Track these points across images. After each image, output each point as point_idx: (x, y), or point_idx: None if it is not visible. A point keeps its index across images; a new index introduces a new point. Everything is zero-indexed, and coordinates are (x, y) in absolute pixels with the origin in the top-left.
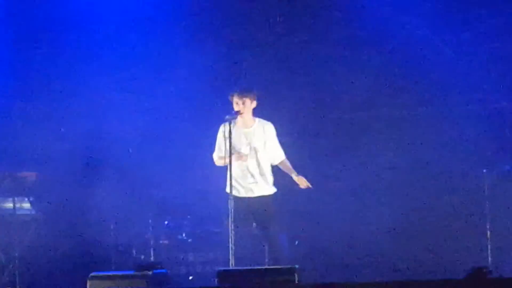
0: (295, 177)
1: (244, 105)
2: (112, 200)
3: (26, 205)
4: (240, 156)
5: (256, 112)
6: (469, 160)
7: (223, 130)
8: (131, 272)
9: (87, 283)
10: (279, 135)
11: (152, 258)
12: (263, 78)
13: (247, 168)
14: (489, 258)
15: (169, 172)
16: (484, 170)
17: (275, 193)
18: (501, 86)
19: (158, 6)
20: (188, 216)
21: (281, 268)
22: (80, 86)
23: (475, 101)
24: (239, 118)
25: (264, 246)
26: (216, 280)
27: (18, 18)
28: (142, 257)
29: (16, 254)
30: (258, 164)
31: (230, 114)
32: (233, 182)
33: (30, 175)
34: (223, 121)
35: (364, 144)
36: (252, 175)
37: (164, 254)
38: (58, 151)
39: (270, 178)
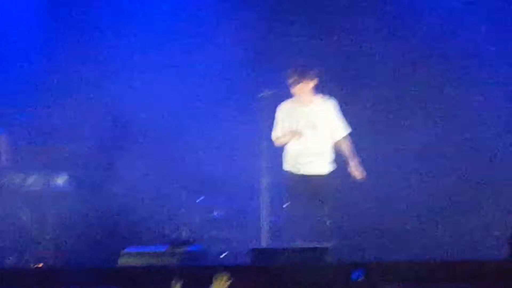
0: (353, 166)
1: (302, 86)
2: (146, 177)
3: (60, 180)
4: (296, 134)
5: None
6: (501, 138)
7: (281, 109)
8: (164, 249)
9: (119, 259)
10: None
11: (184, 235)
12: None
13: (305, 147)
14: None
15: (203, 149)
16: None
17: (331, 172)
18: None
19: None
20: (223, 194)
21: (314, 247)
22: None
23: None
24: (296, 96)
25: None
26: (249, 258)
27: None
28: (175, 234)
29: (50, 229)
30: (316, 143)
31: (269, 89)
32: (291, 160)
33: (63, 149)
34: (257, 98)
35: (393, 123)
36: (309, 154)
37: (197, 231)
38: (92, 126)
39: (329, 156)
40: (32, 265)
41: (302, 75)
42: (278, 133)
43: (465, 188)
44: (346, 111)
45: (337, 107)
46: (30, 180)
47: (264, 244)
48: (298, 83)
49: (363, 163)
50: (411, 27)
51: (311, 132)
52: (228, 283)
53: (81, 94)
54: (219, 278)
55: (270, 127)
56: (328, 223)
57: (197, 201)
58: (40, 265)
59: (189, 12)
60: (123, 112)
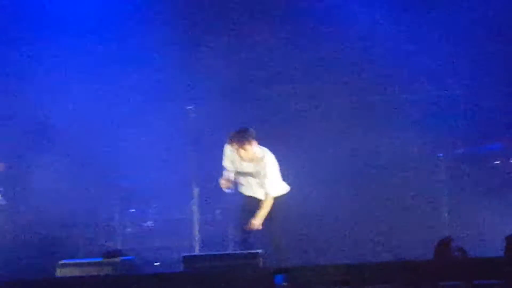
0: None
1: (246, 151)
2: (79, 190)
3: None
4: (228, 182)
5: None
6: (427, 145)
7: (226, 150)
8: (99, 259)
9: (57, 270)
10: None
11: (119, 245)
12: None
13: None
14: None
15: (134, 162)
16: (441, 154)
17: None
18: (454, 74)
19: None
20: (154, 205)
21: (245, 253)
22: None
23: (431, 89)
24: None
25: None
26: (182, 265)
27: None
28: (110, 244)
29: None
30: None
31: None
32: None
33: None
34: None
35: (325, 132)
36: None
37: (130, 241)
38: (27, 144)
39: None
40: None
41: (241, 141)
42: (226, 172)
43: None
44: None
45: (273, 163)
46: None
47: (195, 251)
48: (240, 148)
49: (288, 174)
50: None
51: (245, 181)
52: None
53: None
54: None
55: (198, 138)
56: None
57: (130, 212)
58: None
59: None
60: (59, 133)
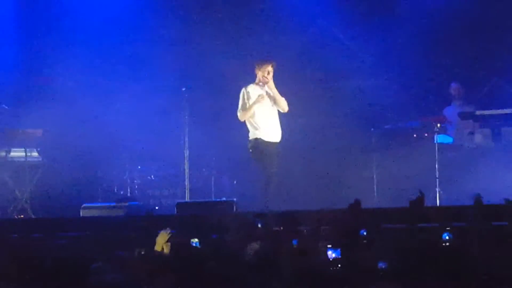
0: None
1: (271, 73)
2: (98, 151)
3: (34, 154)
4: (260, 99)
5: None
6: (363, 121)
7: (244, 91)
8: (113, 204)
9: (81, 211)
10: None
11: (128, 194)
12: None
13: (267, 117)
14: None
15: (140, 128)
16: (372, 129)
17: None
18: (377, 67)
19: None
20: (156, 163)
21: (223, 200)
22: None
23: (352, 80)
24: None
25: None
26: (175, 210)
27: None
28: (121, 192)
29: (28, 189)
30: (274, 114)
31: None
32: (256, 130)
33: (37, 132)
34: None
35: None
36: (272, 123)
37: (137, 191)
38: (55, 113)
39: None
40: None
41: (272, 63)
42: (243, 109)
43: None
44: None
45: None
46: None
47: (186, 199)
48: (266, 71)
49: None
50: None
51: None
52: (169, 235)
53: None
54: (162, 233)
55: (191, 112)
56: (234, 182)
57: (138, 168)
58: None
59: None
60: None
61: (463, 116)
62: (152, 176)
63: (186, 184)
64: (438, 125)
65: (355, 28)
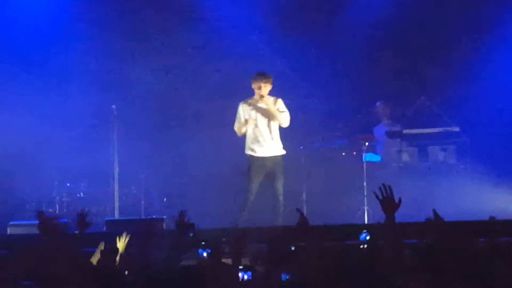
0: None
1: (263, 88)
2: (25, 167)
3: None
4: (252, 121)
5: None
6: (292, 140)
7: (239, 106)
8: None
9: (7, 229)
10: None
11: (57, 211)
12: None
13: (260, 133)
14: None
15: (69, 144)
16: (301, 147)
17: (283, 155)
18: (314, 85)
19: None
20: (85, 180)
21: (152, 218)
22: None
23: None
24: (255, 95)
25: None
26: (104, 227)
27: None
28: (50, 210)
29: None
30: (269, 130)
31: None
32: (250, 145)
33: None
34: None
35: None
36: (264, 139)
37: (66, 208)
38: None
39: (279, 142)
40: None
41: (264, 78)
42: (239, 124)
43: None
44: None
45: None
46: None
47: (115, 216)
48: (260, 87)
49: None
50: None
51: (263, 120)
52: (127, 239)
53: None
54: (121, 237)
55: (120, 130)
56: (164, 199)
57: (66, 185)
58: None
59: None
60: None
61: (390, 134)
62: (81, 194)
63: (115, 201)
64: (366, 143)
65: (284, 45)
